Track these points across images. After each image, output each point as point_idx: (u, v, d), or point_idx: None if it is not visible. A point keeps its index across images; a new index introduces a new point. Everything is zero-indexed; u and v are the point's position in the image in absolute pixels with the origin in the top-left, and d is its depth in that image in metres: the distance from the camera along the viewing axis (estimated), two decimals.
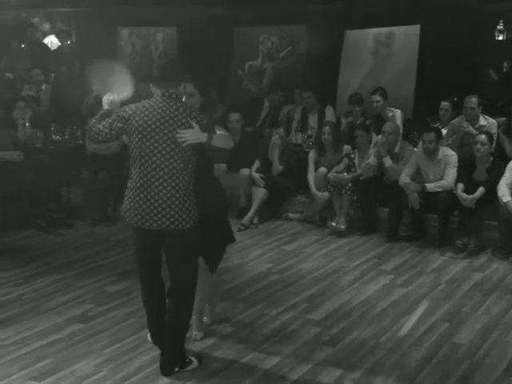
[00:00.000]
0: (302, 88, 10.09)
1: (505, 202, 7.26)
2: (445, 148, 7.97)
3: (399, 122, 8.87)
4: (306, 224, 8.74)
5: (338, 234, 8.20)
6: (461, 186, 7.65)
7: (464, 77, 9.26)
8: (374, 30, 10.41)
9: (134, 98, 4.99)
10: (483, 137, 7.65)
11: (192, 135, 4.47)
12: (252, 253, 7.60)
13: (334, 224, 8.27)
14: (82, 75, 11.30)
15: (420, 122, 9.17)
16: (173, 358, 4.74)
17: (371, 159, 8.25)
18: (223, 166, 5.34)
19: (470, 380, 4.68)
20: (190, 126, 4.49)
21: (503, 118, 8.56)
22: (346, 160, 8.64)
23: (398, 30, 10.20)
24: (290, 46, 11.23)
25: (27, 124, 8.68)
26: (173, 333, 4.74)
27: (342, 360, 4.95)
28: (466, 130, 8.26)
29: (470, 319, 5.72)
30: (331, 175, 8.49)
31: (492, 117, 8.47)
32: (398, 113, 9.09)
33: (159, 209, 4.48)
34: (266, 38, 11.47)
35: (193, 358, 4.82)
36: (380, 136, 8.38)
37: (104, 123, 4.64)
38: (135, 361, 4.89)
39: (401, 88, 9.82)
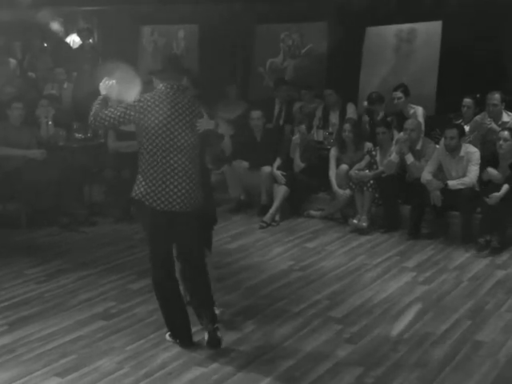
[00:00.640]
0: (324, 85, 10.10)
1: None
2: (467, 145, 7.92)
3: (421, 119, 8.82)
4: (327, 221, 8.73)
5: (360, 231, 8.18)
6: (492, 170, 7.60)
7: (487, 73, 9.19)
8: (395, 27, 10.35)
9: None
10: (506, 133, 7.59)
11: (204, 123, 4.91)
12: (274, 250, 7.61)
13: (355, 221, 8.26)
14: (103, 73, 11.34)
15: (442, 119, 9.12)
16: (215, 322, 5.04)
17: (393, 156, 8.21)
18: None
19: (492, 378, 4.64)
20: (201, 115, 4.92)
21: None
22: (367, 157, 8.61)
23: (420, 27, 10.13)
24: (311, 44, 11.20)
25: (50, 122, 8.74)
26: (203, 296, 5.10)
27: (363, 357, 4.94)
28: (489, 126, 8.20)
29: (493, 317, 5.69)
30: (353, 172, 8.47)
31: None
32: (420, 110, 9.04)
33: (183, 191, 4.81)
34: (287, 35, 11.44)
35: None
36: (402, 133, 8.34)
37: (112, 110, 4.89)
38: (157, 357, 4.92)
39: (423, 85, 9.77)
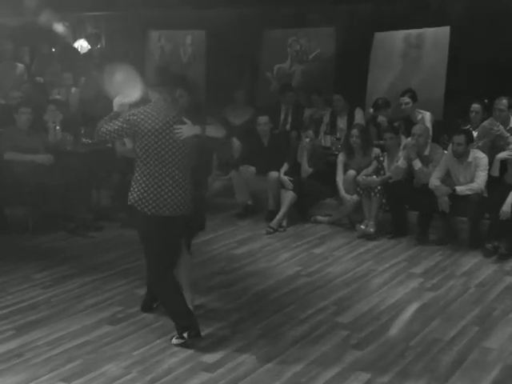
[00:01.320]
0: (332, 91, 10.10)
1: None
2: (475, 150, 7.89)
3: (429, 124, 8.80)
4: (334, 227, 8.71)
5: (367, 237, 8.17)
6: None
7: (495, 78, 9.17)
8: (403, 32, 10.35)
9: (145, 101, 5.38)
10: None
11: (186, 129, 5.07)
12: (281, 256, 7.60)
13: (362, 227, 8.24)
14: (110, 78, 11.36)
15: (450, 124, 9.09)
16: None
17: (400, 162, 8.19)
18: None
19: None
20: (182, 122, 5.11)
21: None
22: (375, 163, 8.59)
23: (428, 32, 10.14)
24: (319, 49, 11.20)
25: (58, 127, 8.74)
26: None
27: (370, 364, 4.92)
28: (498, 133, 8.18)
29: (501, 323, 5.67)
30: (360, 178, 8.46)
31: None
32: (428, 115, 9.02)
33: (172, 197, 5.09)
34: (294, 40, 11.45)
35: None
36: (409, 138, 8.32)
37: (112, 125, 5.14)
38: (164, 363, 4.91)
39: (431, 90, 9.76)
